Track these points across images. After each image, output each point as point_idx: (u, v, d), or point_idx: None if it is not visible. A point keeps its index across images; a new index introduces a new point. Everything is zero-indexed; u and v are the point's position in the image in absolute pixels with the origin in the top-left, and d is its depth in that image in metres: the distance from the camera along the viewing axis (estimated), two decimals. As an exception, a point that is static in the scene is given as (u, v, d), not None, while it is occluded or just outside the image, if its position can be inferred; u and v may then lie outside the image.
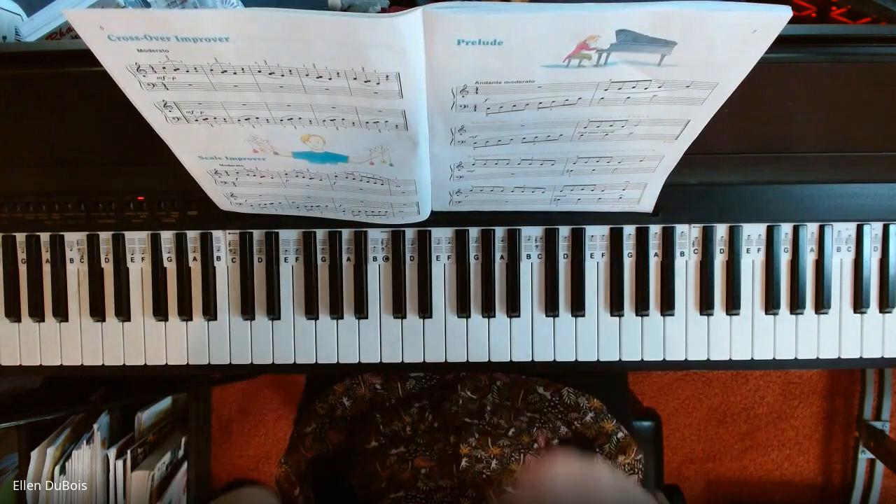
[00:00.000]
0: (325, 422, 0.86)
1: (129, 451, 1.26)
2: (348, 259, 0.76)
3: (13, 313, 0.77)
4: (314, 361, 0.76)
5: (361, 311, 0.75)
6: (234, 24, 0.47)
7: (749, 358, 0.76)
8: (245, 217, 0.74)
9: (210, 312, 0.76)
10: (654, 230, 0.75)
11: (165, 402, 1.43)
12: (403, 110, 0.54)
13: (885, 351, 0.76)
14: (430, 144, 0.59)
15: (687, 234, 0.75)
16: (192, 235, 0.76)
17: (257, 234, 0.76)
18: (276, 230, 0.75)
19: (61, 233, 0.76)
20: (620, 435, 0.83)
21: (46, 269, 0.76)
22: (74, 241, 0.76)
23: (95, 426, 1.23)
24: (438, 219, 0.74)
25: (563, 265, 0.75)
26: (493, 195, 0.70)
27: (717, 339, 0.76)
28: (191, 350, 0.77)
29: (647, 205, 0.72)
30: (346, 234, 0.75)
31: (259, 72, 0.51)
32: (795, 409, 1.64)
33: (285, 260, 0.76)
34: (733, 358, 0.76)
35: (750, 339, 0.76)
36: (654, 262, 0.75)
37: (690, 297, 0.75)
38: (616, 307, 0.75)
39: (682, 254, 0.75)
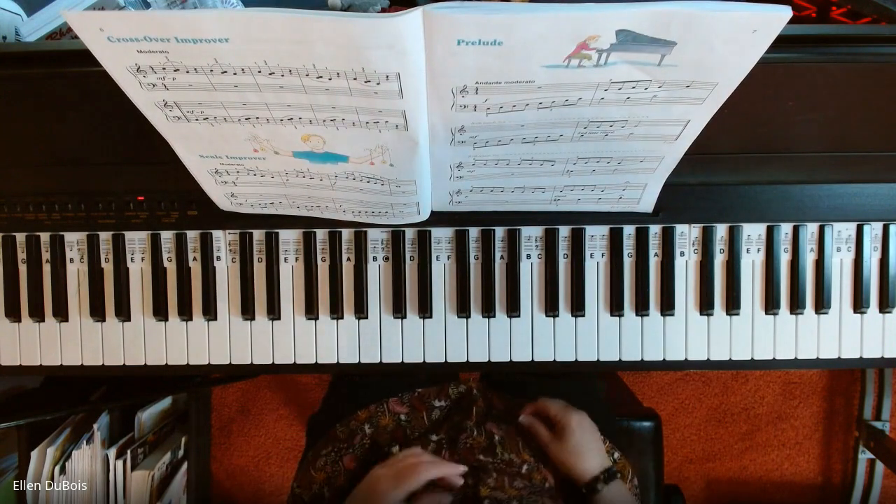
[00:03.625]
0: (343, 446, 0.83)
1: (129, 451, 1.26)
2: (348, 259, 0.76)
3: (13, 313, 0.77)
4: (314, 361, 0.77)
5: (361, 311, 0.75)
6: (234, 25, 0.47)
7: (749, 358, 0.76)
8: (245, 217, 0.74)
9: (210, 312, 0.76)
10: (654, 230, 0.75)
11: (165, 402, 1.43)
12: (403, 110, 0.54)
13: (885, 351, 0.76)
14: (430, 144, 0.59)
15: (687, 234, 0.75)
16: (192, 235, 0.76)
17: (257, 234, 0.75)
18: (276, 230, 0.75)
19: (61, 233, 0.76)
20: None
21: (46, 269, 0.76)
22: (74, 241, 0.76)
23: (95, 426, 1.23)
24: (438, 219, 0.74)
25: (563, 265, 0.75)
26: (493, 195, 0.70)
27: (717, 339, 0.76)
28: (191, 350, 0.77)
29: (647, 205, 0.72)
30: (346, 234, 0.75)
31: (259, 72, 0.51)
32: (795, 409, 1.63)
33: (285, 260, 0.76)
34: (733, 358, 0.76)
35: (750, 339, 0.76)
36: (654, 262, 0.75)
37: (690, 297, 0.75)
38: (616, 307, 0.75)
39: (682, 254, 0.75)
